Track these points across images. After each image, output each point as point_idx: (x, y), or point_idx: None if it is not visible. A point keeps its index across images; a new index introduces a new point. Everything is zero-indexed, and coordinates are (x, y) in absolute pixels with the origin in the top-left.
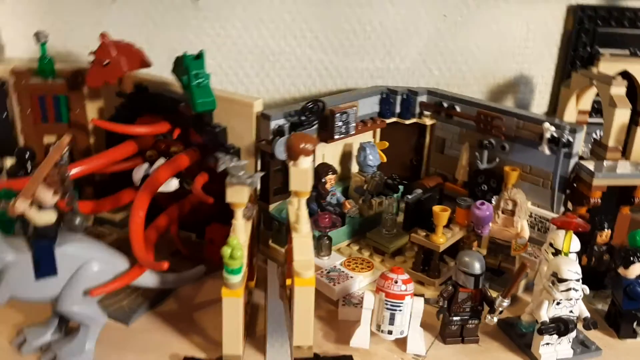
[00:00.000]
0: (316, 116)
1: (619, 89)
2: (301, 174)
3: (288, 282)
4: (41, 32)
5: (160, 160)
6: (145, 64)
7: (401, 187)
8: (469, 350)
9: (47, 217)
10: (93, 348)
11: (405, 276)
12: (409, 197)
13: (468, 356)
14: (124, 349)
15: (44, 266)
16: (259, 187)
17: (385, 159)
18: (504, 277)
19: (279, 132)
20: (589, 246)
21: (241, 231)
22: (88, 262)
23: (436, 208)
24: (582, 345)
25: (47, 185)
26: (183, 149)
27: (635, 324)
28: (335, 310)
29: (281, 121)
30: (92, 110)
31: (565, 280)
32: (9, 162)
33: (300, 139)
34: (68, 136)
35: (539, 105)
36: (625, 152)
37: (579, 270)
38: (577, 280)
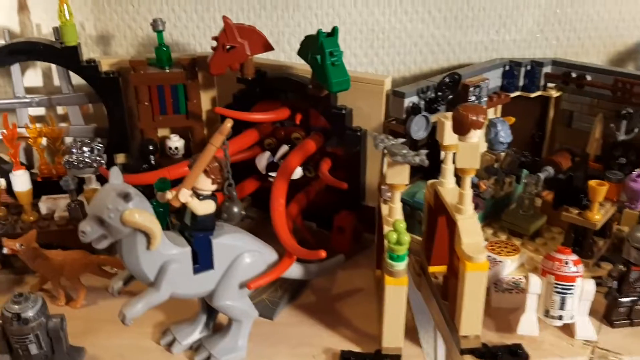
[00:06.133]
0: (451, 91)
1: None
2: (470, 150)
3: (433, 269)
4: (158, 19)
5: (284, 148)
6: (268, 47)
7: None
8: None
9: (208, 207)
10: (246, 344)
11: (575, 257)
12: (560, 174)
13: None
14: (275, 344)
15: (203, 259)
16: None
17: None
18: None
19: (414, 110)
20: None
21: (400, 215)
22: (241, 254)
23: (592, 182)
24: None
25: (206, 174)
26: (305, 134)
27: None
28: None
29: (414, 98)
30: (205, 100)
31: None
32: (120, 158)
33: (469, 110)
34: (229, 122)
35: None
36: None
37: None
38: None
